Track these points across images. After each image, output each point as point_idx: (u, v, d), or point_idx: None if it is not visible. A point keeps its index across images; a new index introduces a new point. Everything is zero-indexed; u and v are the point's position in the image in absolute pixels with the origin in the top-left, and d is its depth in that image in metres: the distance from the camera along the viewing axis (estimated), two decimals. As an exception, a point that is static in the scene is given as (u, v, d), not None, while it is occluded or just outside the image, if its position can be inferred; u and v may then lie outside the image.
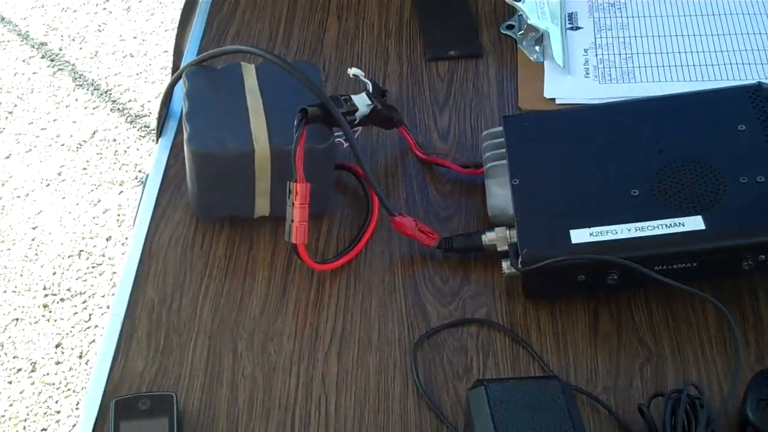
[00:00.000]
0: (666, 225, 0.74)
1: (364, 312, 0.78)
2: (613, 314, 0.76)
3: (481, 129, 0.91)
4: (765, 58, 0.96)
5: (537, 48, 1.00)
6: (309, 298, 0.79)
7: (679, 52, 0.98)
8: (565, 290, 0.77)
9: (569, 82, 0.97)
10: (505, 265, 0.77)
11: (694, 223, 0.74)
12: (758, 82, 0.83)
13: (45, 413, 1.63)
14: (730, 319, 0.72)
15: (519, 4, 1.01)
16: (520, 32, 1.02)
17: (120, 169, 2.02)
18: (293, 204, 0.76)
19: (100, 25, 2.35)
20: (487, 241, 0.80)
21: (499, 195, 0.82)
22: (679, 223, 0.74)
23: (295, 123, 0.77)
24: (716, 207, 0.74)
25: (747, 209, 0.74)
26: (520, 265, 0.75)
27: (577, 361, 0.74)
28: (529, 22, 1.00)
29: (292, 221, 0.76)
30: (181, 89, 0.86)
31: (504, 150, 0.83)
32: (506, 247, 0.78)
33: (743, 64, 0.96)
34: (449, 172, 0.89)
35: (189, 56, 1.02)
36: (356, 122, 0.85)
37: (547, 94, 0.95)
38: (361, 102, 0.85)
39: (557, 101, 0.95)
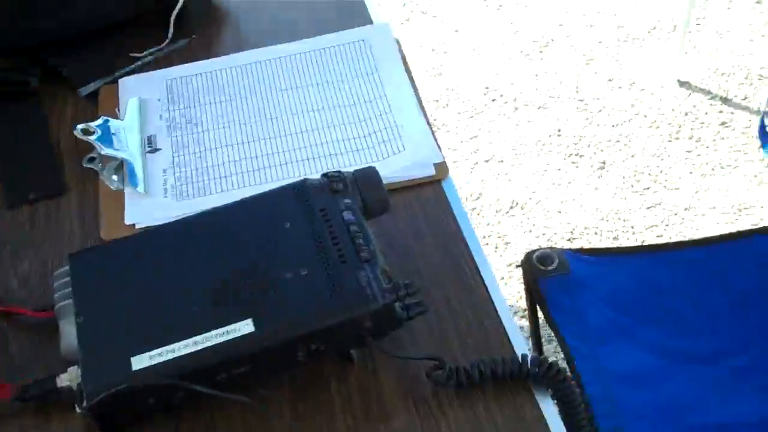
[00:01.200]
0: (219, 334, 0.78)
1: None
2: (193, 428, 0.79)
3: (63, 268, 0.92)
4: (325, 151, 1.03)
5: (115, 177, 1.03)
6: None
7: (248, 158, 1.04)
8: (143, 416, 0.79)
9: (149, 205, 1.00)
10: (77, 405, 0.78)
11: (245, 327, 0.78)
12: (303, 178, 0.90)
13: None
14: (266, 411, 0.78)
15: (91, 138, 1.04)
16: (100, 163, 1.04)
17: None
18: None
19: None
20: (62, 383, 0.80)
21: (71, 333, 0.82)
22: (232, 330, 0.78)
23: None
24: (265, 307, 0.79)
25: (293, 303, 0.79)
26: (84, 404, 0.75)
27: (151, 485, 0.75)
28: (102, 153, 1.03)
29: None
30: None
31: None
32: (79, 387, 0.79)
33: (304, 160, 1.03)
34: (28, 319, 0.88)
35: None
36: None
37: (128, 221, 0.98)
38: None
39: (137, 226, 0.97)
